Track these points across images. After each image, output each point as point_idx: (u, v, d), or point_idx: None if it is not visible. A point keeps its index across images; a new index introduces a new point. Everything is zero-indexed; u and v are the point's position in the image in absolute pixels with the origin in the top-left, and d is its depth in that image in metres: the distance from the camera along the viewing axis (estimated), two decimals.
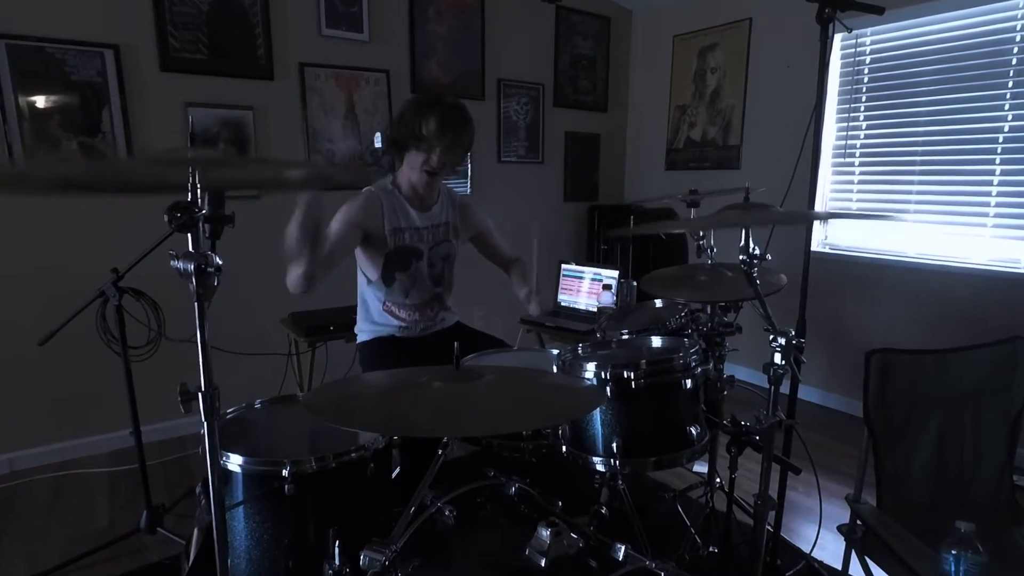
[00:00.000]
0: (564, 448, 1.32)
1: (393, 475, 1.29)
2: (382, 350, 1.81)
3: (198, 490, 1.11)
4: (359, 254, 1.78)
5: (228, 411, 1.26)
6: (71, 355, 2.36)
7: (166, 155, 0.86)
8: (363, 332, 1.87)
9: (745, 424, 1.23)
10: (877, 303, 2.95)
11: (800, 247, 1.73)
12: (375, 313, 1.83)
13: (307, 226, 1.39)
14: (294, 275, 1.50)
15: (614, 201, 4.16)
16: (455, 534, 1.10)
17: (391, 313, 1.82)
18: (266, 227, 2.77)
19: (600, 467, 1.25)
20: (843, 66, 3.00)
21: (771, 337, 1.12)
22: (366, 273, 1.80)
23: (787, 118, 3.16)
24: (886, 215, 2.91)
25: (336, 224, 1.65)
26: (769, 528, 1.60)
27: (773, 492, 1.40)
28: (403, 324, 1.83)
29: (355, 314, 1.92)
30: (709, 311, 1.61)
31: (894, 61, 2.82)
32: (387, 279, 1.77)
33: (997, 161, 2.55)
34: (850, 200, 3.07)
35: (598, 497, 1.38)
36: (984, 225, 2.61)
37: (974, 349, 1.46)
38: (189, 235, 0.83)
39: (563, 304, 2.81)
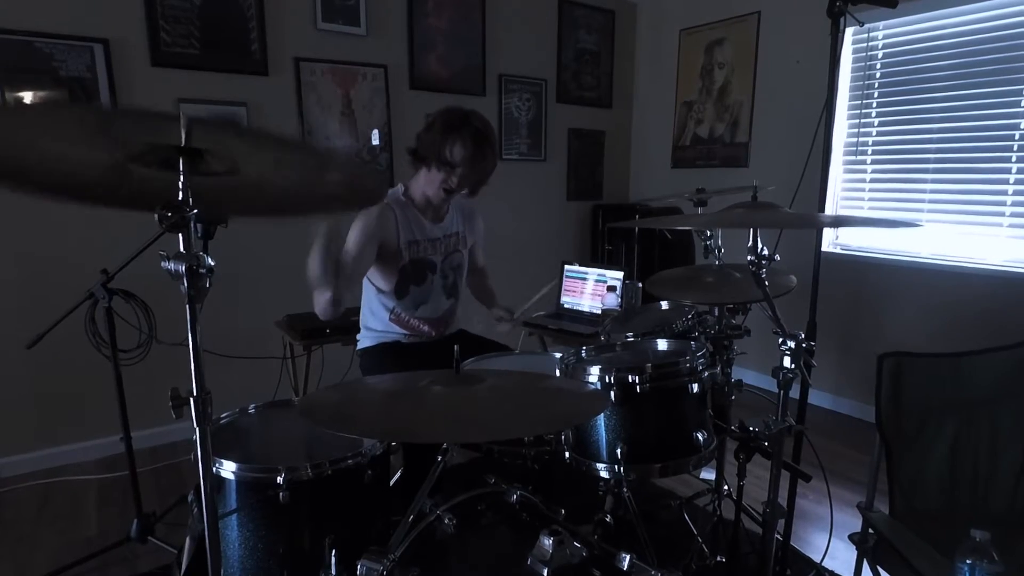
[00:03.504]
0: (567, 454, 1.30)
1: (391, 482, 1.27)
2: (384, 357, 1.79)
3: (190, 498, 1.09)
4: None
5: (221, 416, 1.23)
6: (59, 358, 2.32)
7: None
8: (365, 339, 1.86)
9: (754, 430, 1.22)
10: (890, 305, 2.90)
11: (810, 247, 1.71)
12: (381, 322, 1.82)
13: (328, 257, 1.43)
14: (323, 302, 1.53)
15: (619, 200, 4.12)
16: (455, 543, 1.08)
17: (398, 322, 1.81)
18: (261, 227, 2.78)
19: (604, 474, 1.23)
20: (854, 61, 2.95)
21: (780, 340, 1.10)
22: (375, 283, 1.79)
23: (797, 115, 3.12)
24: (899, 222, 2.85)
25: (354, 240, 1.64)
26: (778, 537, 1.58)
27: (783, 500, 1.38)
28: (410, 333, 1.81)
29: (354, 316, 1.90)
30: (716, 313, 1.59)
31: (907, 56, 2.77)
32: (400, 292, 1.77)
33: (1013, 159, 2.50)
34: (862, 199, 3.03)
35: (602, 505, 1.37)
36: (1000, 225, 2.56)
37: (990, 352, 1.44)
38: (180, 235, 0.82)
39: (566, 306, 2.78)
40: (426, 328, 1.82)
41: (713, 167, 3.63)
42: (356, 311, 1.89)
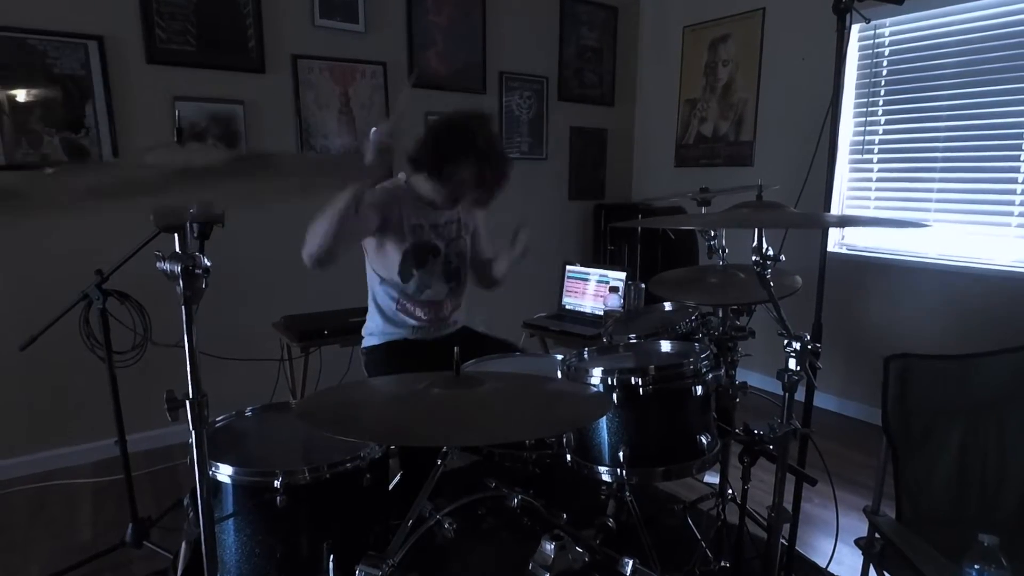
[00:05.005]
0: (569, 458, 1.29)
1: (390, 486, 1.27)
2: (389, 355, 1.78)
3: (186, 502, 1.09)
4: (373, 250, 1.77)
5: (217, 419, 1.23)
6: (53, 360, 2.30)
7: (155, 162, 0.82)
8: (373, 336, 1.85)
9: (758, 433, 1.22)
10: (896, 306, 2.87)
11: (816, 247, 1.69)
12: (388, 313, 1.81)
13: (343, 214, 1.43)
14: (312, 251, 1.50)
15: (621, 199, 4.10)
16: (455, 548, 1.07)
17: (405, 312, 1.80)
18: (258, 226, 2.76)
19: (606, 477, 1.22)
20: (861, 58, 2.92)
21: (785, 342, 1.09)
22: (378, 271, 1.79)
23: (802, 113, 3.09)
24: (905, 222, 2.82)
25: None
26: (783, 542, 1.56)
27: (788, 504, 1.36)
28: (417, 324, 1.81)
29: (352, 318, 1.90)
30: (721, 315, 1.57)
31: (914, 53, 2.74)
32: (404, 275, 1.76)
33: (1022, 158, 2.47)
34: (868, 199, 3.00)
35: (604, 509, 1.36)
36: (1008, 225, 2.53)
37: (998, 354, 1.42)
38: (176, 235, 0.81)
39: (568, 307, 2.77)
40: (432, 314, 1.81)
41: (717, 166, 3.61)
42: (355, 311, 1.88)
